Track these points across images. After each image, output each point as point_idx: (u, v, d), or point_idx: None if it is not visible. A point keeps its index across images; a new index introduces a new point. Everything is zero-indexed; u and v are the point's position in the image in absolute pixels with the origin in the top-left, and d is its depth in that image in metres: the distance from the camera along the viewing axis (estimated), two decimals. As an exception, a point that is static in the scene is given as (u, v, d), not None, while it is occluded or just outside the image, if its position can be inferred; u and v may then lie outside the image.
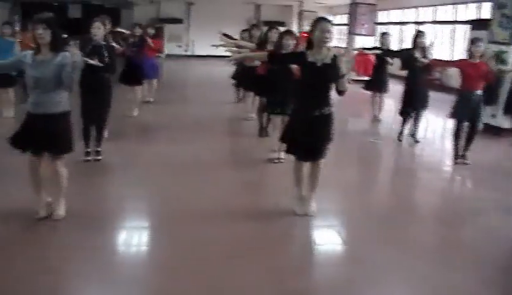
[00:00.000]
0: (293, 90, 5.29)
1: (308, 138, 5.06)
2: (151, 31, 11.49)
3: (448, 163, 8.07)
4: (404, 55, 9.07)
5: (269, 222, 5.22)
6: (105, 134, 8.03)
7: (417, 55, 8.51)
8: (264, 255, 4.54)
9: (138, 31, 10.47)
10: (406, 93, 8.84)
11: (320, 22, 4.97)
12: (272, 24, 9.54)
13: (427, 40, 8.83)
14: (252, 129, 9.18)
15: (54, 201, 5.06)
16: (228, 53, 8.74)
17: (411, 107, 8.80)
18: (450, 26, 17.52)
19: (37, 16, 4.70)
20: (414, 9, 19.58)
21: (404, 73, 8.93)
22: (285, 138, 5.36)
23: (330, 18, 5.63)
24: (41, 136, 4.75)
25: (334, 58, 4.95)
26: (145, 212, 5.58)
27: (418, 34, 8.66)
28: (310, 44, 5.03)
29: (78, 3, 25.10)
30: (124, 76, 10.18)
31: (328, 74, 4.94)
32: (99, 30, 6.74)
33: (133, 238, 4.99)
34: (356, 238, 5.04)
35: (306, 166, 5.36)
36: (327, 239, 5.08)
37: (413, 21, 19.53)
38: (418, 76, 8.61)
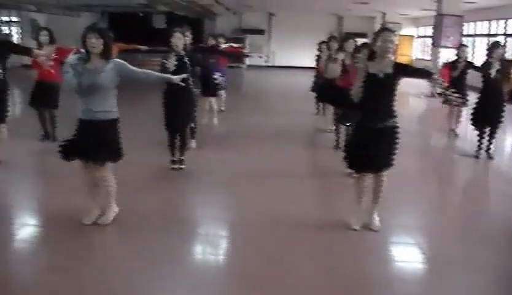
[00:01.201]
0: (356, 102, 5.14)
1: (370, 151, 4.96)
2: (221, 41, 11.38)
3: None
4: (482, 68, 8.63)
5: (344, 235, 5.12)
6: (194, 144, 8.30)
7: (494, 67, 8.11)
8: (340, 269, 4.45)
9: (221, 42, 10.58)
10: (478, 105, 8.47)
11: (382, 32, 4.90)
12: (351, 35, 9.36)
13: (504, 52, 8.38)
14: (331, 142, 9.08)
15: (104, 208, 5.14)
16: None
17: (483, 120, 8.41)
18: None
19: (90, 26, 4.84)
20: (503, 21, 18.86)
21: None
22: (348, 151, 5.28)
23: (414, 29, 5.47)
24: (90, 143, 4.83)
25: (397, 66, 4.88)
26: (224, 220, 5.61)
27: (495, 45, 8.27)
28: (372, 55, 4.94)
29: (162, 14, 25.85)
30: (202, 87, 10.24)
31: (389, 85, 4.86)
32: (179, 40, 6.78)
33: (212, 245, 5.01)
34: (437, 255, 4.84)
35: (369, 180, 5.23)
36: (406, 255, 4.93)
37: (502, 33, 18.80)
38: (492, 89, 8.21)
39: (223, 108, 12.07)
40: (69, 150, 4.92)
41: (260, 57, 28.31)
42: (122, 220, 5.16)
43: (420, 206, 6.31)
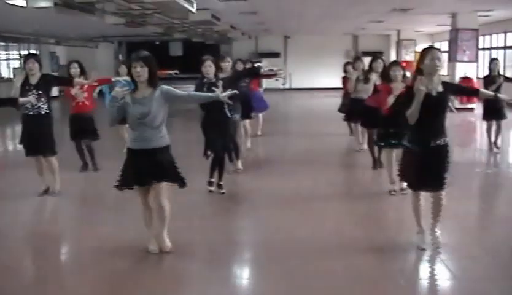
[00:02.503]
0: (405, 122, 5.09)
1: (429, 169, 4.94)
2: (240, 66, 11.40)
3: None
4: None
5: (385, 256, 5.08)
6: (240, 165, 8.49)
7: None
8: (380, 291, 4.42)
9: (240, 66, 10.63)
10: None
11: (430, 50, 4.90)
12: (380, 55, 9.40)
13: None
14: (364, 161, 9.01)
15: (159, 236, 5.12)
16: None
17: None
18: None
19: (135, 55, 4.80)
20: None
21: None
22: (403, 171, 5.24)
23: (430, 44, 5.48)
24: (147, 169, 4.82)
25: (446, 84, 4.92)
26: (259, 244, 5.60)
27: None
28: (420, 74, 4.91)
29: (179, 42, 26.09)
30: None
31: (443, 103, 4.91)
32: (210, 68, 6.91)
33: (246, 270, 5.03)
34: (468, 275, 4.73)
35: (425, 198, 5.19)
36: (437, 274, 4.86)
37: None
38: None
39: (259, 133, 12.20)
40: (125, 180, 4.93)
41: (277, 80, 28.37)
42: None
43: (451, 223, 6.18)
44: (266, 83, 27.35)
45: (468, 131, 11.82)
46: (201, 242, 5.55)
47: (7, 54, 22.74)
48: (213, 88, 6.70)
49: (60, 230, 6.18)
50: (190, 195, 6.58)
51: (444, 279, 4.73)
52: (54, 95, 8.55)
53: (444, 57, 20.65)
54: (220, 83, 6.77)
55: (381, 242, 5.44)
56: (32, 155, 7.26)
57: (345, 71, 11.56)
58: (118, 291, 4.46)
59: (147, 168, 4.82)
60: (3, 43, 22.42)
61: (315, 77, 26.37)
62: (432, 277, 4.84)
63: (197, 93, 5.27)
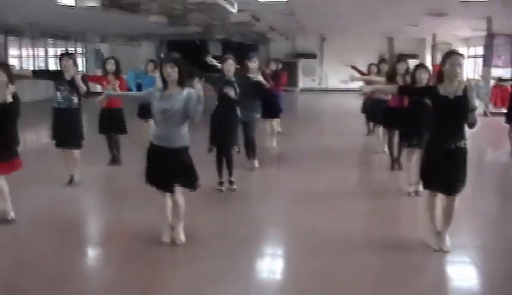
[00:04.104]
0: (426, 123, 5.15)
1: (444, 172, 4.91)
2: (273, 66, 11.34)
3: None
4: None
5: (403, 256, 5.09)
6: (256, 163, 8.55)
7: None
8: (398, 289, 4.44)
9: (273, 66, 10.75)
10: None
11: (450, 55, 4.89)
12: (404, 57, 9.34)
13: None
14: (384, 162, 9.03)
15: (175, 228, 5.29)
16: (358, 86, 8.68)
17: None
18: None
19: (166, 56, 5.08)
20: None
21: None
22: (422, 173, 5.21)
23: (464, 49, 5.45)
24: (163, 170, 5.00)
25: (466, 90, 4.85)
26: (281, 240, 5.70)
27: None
28: (441, 77, 4.93)
29: (218, 41, 26.27)
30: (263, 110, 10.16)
31: (461, 107, 4.83)
32: (231, 67, 7.08)
33: (270, 265, 5.08)
34: (496, 274, 4.75)
35: (440, 200, 5.17)
36: (464, 274, 4.86)
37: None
38: None
39: (280, 130, 12.19)
40: (148, 178, 5.11)
41: (313, 80, 28.37)
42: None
43: (477, 223, 6.19)
44: (302, 83, 27.47)
45: (497, 135, 11.66)
46: (224, 236, 5.60)
47: (55, 51, 23.23)
48: (229, 86, 6.93)
49: (78, 218, 6.37)
50: (207, 191, 6.75)
51: (472, 278, 4.75)
52: (98, 91, 8.64)
53: (479, 62, 20.38)
54: (235, 84, 6.99)
55: (408, 240, 5.45)
56: (61, 146, 7.48)
57: (368, 72, 11.57)
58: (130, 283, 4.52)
59: (163, 169, 4.98)
60: (52, 41, 22.83)
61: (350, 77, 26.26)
62: (461, 276, 4.84)
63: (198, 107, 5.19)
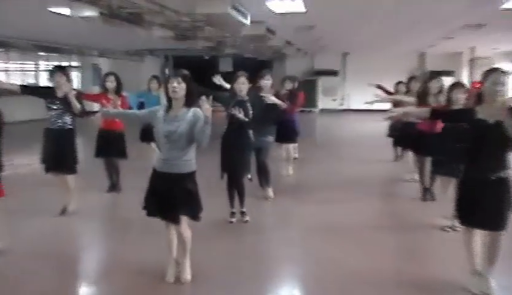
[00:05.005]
0: (463, 149, 5.01)
1: (482, 206, 4.79)
2: (289, 85, 11.15)
3: None
4: None
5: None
6: (271, 193, 8.54)
7: None
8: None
9: (288, 86, 10.51)
10: None
11: (492, 73, 4.78)
12: (437, 74, 9.27)
13: None
14: (413, 192, 9.00)
15: (181, 264, 5.30)
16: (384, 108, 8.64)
17: None
18: None
19: (174, 72, 5.07)
20: None
21: None
22: (457, 206, 5.10)
23: (508, 65, 5.35)
24: (167, 200, 4.98)
25: (510, 112, 4.62)
26: (298, 278, 5.66)
27: None
28: (480, 98, 4.84)
29: (229, 57, 26.46)
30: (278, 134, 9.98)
31: (502, 132, 4.65)
32: (243, 85, 7.03)
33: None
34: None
35: (482, 236, 5.05)
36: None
37: None
38: None
39: (296, 156, 12.20)
40: (149, 207, 5.12)
41: (334, 100, 28.42)
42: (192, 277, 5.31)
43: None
44: (322, 103, 27.50)
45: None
46: (235, 273, 5.58)
47: (47, 65, 23.35)
48: (239, 107, 6.88)
49: (72, 252, 6.36)
50: (217, 222, 6.86)
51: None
52: (95, 110, 8.68)
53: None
54: (247, 105, 6.97)
55: (443, 282, 5.37)
56: (52, 171, 7.50)
57: (396, 91, 11.54)
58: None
59: (166, 197, 4.97)
60: (43, 53, 22.91)
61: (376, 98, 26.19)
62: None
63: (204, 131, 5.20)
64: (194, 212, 5.11)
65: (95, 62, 25.25)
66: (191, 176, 5.06)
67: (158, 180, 5.05)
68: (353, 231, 7.11)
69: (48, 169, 7.49)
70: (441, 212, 7.25)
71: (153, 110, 5.17)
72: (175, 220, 5.06)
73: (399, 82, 11.85)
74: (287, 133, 10.28)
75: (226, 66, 27.78)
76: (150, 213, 5.14)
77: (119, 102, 8.21)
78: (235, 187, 7.33)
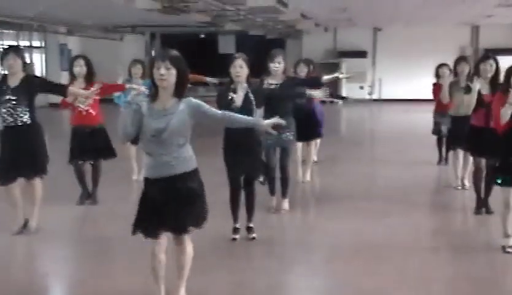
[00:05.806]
0: None
1: None
2: (303, 69, 10.96)
3: None
4: None
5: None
6: (286, 205, 8.52)
7: None
8: None
9: (303, 70, 10.34)
10: None
11: None
12: (490, 55, 9.11)
13: None
14: (466, 202, 8.93)
15: (176, 290, 5.22)
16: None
17: None
18: None
19: (161, 53, 4.95)
20: None
21: None
22: None
23: None
24: (168, 208, 4.89)
25: None
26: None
27: None
28: None
29: (231, 35, 26.42)
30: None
31: None
32: (241, 69, 6.91)
33: None
34: None
35: None
36: None
37: None
38: None
39: (315, 158, 12.11)
40: (145, 225, 4.99)
41: (362, 87, 28.33)
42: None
43: None
44: (346, 92, 27.45)
45: None
46: None
47: (1, 44, 23.19)
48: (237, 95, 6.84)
49: (36, 280, 6.30)
50: (217, 240, 6.87)
51: None
52: (54, 102, 8.61)
53: None
54: (249, 95, 6.89)
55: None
56: (12, 179, 7.35)
57: (437, 76, 11.32)
58: None
59: (169, 206, 4.88)
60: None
61: (415, 85, 25.93)
62: None
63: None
64: (199, 219, 5.03)
65: (62, 42, 25.25)
66: (194, 173, 4.99)
67: (153, 190, 4.94)
68: (392, 254, 7.01)
69: (7, 176, 7.31)
70: (500, 228, 7.08)
71: (137, 108, 4.87)
72: (185, 231, 4.98)
73: (442, 65, 11.55)
74: (308, 127, 10.05)
75: (227, 46, 27.75)
76: (150, 234, 4.99)
77: (98, 89, 7.75)
78: (246, 195, 7.25)
